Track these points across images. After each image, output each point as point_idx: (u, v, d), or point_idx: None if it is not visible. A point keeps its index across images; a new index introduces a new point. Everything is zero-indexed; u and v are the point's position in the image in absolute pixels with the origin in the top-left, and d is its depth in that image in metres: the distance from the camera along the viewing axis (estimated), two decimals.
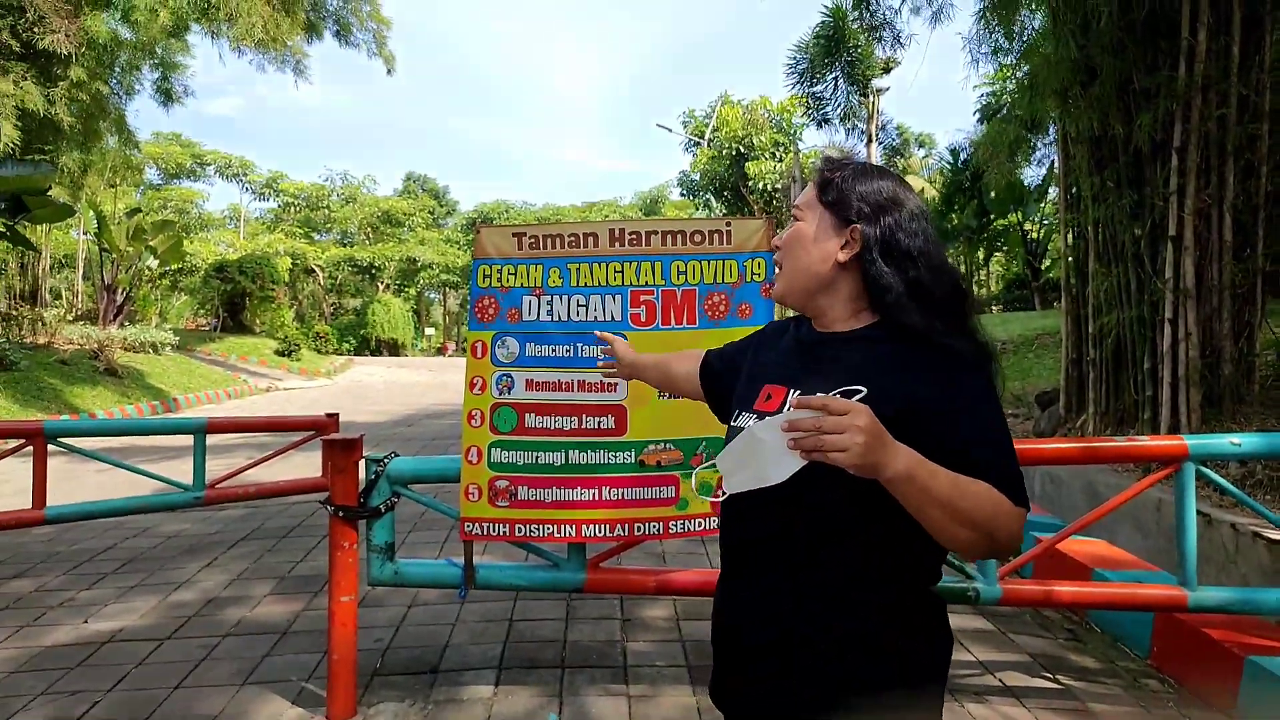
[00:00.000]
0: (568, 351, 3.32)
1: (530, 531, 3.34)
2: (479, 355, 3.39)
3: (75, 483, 7.26)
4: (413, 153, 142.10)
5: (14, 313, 16.74)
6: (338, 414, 5.78)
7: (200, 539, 5.84)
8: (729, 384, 1.63)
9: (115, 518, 5.68)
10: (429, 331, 56.93)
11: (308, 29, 16.25)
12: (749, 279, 3.32)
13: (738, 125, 34.39)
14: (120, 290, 18.82)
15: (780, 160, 32.98)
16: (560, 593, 3.82)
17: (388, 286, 52.56)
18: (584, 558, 3.46)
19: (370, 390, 20.42)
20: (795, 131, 34.19)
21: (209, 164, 47.09)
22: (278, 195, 51.47)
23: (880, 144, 18.93)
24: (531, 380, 3.34)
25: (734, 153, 34.46)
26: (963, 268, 28.28)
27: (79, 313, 21.06)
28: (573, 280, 3.33)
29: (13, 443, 4.96)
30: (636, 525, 3.33)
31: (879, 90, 17.55)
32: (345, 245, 52.65)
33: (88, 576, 5.06)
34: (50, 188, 12.93)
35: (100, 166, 20.86)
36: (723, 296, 3.30)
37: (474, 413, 3.38)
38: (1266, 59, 5.97)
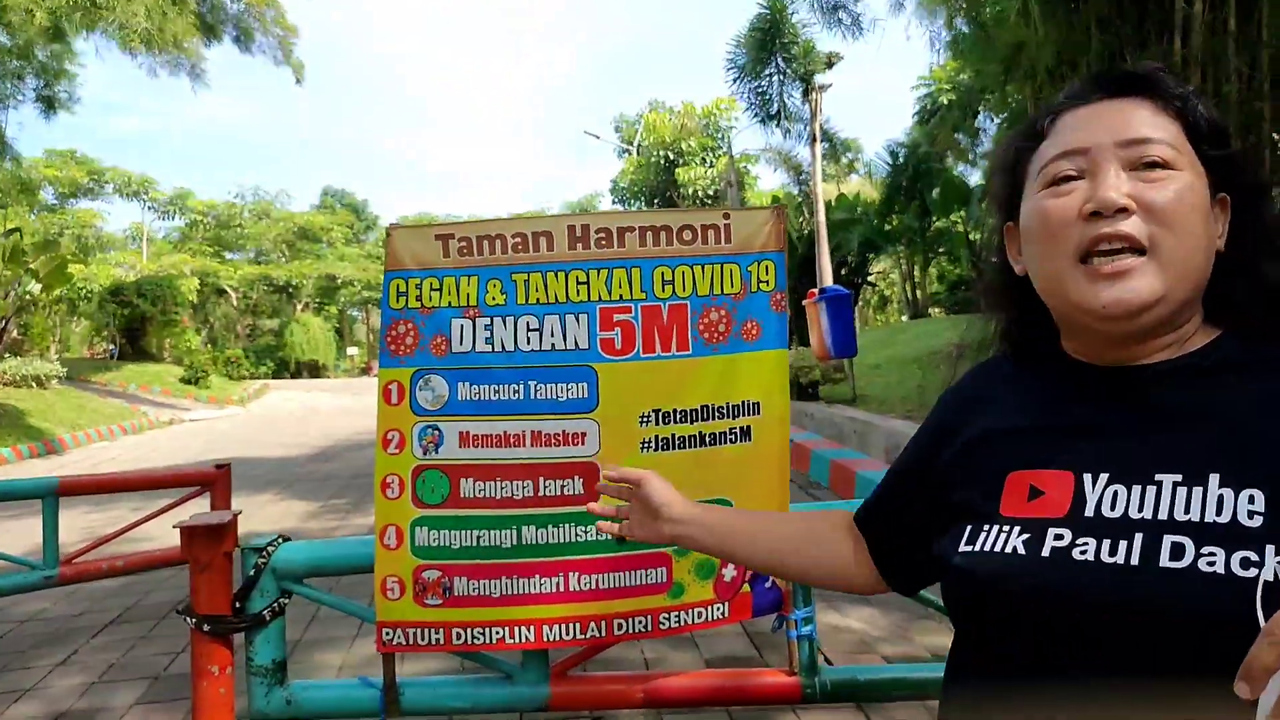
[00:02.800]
0: (516, 393, 2.46)
1: (473, 637, 2.46)
2: (394, 401, 2.50)
3: None
4: (330, 168, 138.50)
5: None
6: (228, 465, 4.78)
7: (60, 624, 4.77)
8: (933, 524, 0.94)
9: None
10: (352, 351, 54.89)
11: (205, 30, 14.99)
12: (755, 288, 2.51)
13: (666, 131, 33.83)
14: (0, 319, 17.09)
15: (711, 165, 32.52)
16: (515, 712, 2.94)
17: (306, 305, 50.40)
18: (545, 665, 2.60)
19: (286, 418, 19.04)
20: (724, 134, 33.83)
21: (108, 182, 44.37)
22: (184, 213, 48.86)
23: (823, 143, 18.40)
24: (467, 433, 2.47)
25: (663, 160, 33.89)
26: (903, 270, 28.21)
27: None
28: (520, 296, 2.48)
29: None
30: (617, 622, 2.49)
31: (822, 87, 16.98)
32: (259, 263, 50.35)
33: None
34: None
35: None
36: (723, 313, 2.49)
37: (390, 479, 2.49)
38: (1264, 31, 5.48)
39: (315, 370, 45.85)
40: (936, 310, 30.17)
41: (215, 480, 4.74)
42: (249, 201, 52.25)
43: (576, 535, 2.45)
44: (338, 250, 53.04)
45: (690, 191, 32.19)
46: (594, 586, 2.46)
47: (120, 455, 12.59)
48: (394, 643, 2.48)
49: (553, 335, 2.45)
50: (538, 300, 2.47)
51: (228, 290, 45.88)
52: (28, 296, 17.62)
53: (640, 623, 2.51)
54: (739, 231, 2.52)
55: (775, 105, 16.84)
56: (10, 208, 26.32)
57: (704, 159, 33.90)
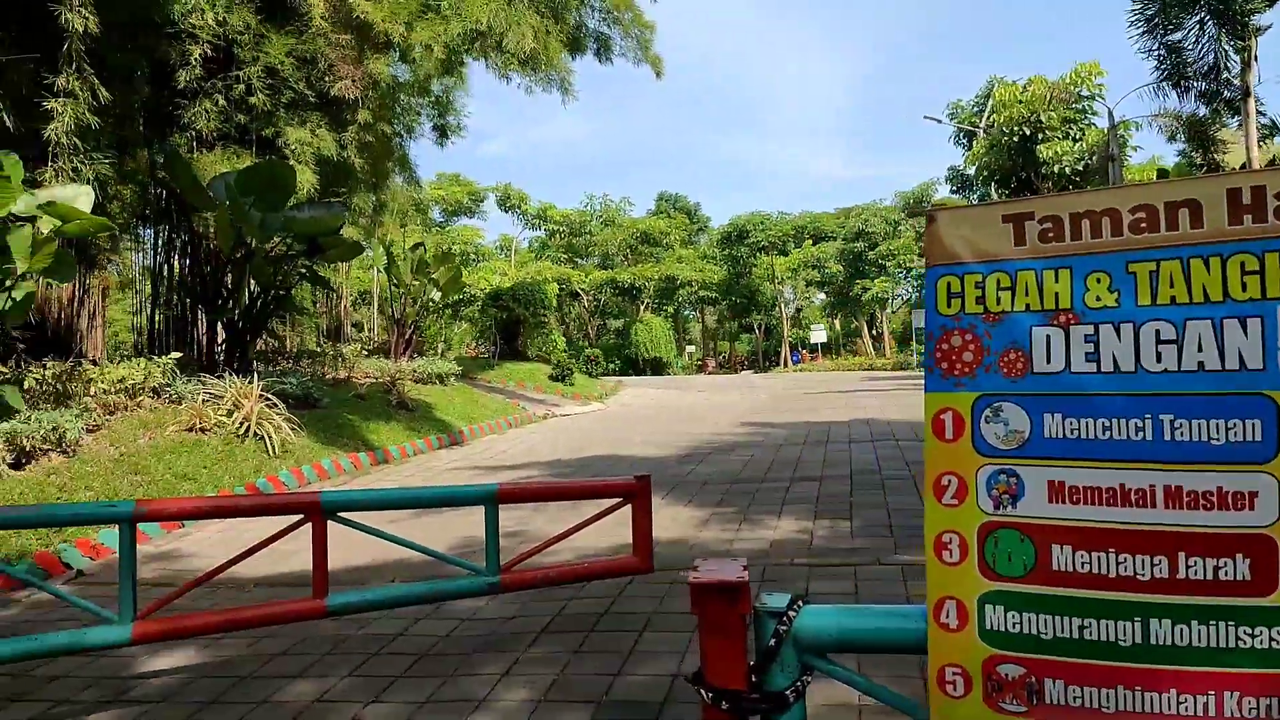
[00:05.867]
0: (1139, 431, 1.76)
1: None
2: (948, 436, 1.92)
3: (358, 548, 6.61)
4: (662, 173, 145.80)
5: (319, 350, 17.82)
6: (648, 476, 4.60)
7: (497, 627, 4.87)
8: None
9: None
10: (689, 349, 57.04)
11: (571, 46, 15.90)
12: None
13: (1020, 107, 30.66)
14: (409, 323, 19.63)
15: (1077, 140, 28.94)
16: None
17: (648, 306, 53.17)
18: None
19: (643, 415, 19.79)
20: (1087, 103, 29.90)
21: (484, 198, 50.28)
22: (545, 224, 53.96)
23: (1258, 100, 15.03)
24: (1060, 484, 1.82)
25: (1017, 137, 30.78)
26: None
27: (374, 346, 22.35)
28: (1144, 294, 1.77)
29: (289, 518, 4.19)
30: None
31: (1258, 29, 13.78)
32: (606, 268, 54.00)
33: (374, 681, 4.19)
34: (342, 227, 13.31)
35: (392, 207, 22.07)
36: None
37: (947, 539, 1.91)
38: None
39: (657, 367, 48.15)
40: None
41: (638, 491, 4.57)
42: (597, 209, 56.31)
43: (1239, 639, 1.70)
44: (675, 253, 55.24)
45: (1055, 170, 28.89)
46: (1267, 713, 1.70)
47: (509, 448, 13.66)
48: None
49: (1201, 350, 1.72)
50: (1172, 299, 1.75)
51: (580, 293, 49.69)
52: (430, 303, 20.14)
53: None
54: None
55: (1204, 57, 14.00)
56: (408, 226, 30.43)
57: (1066, 133, 30.29)
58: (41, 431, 8.04)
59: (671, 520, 7.22)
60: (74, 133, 8.86)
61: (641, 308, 52.76)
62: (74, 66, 8.86)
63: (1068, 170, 28.85)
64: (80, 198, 8.51)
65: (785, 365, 52.29)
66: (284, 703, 3.99)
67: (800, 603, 2.07)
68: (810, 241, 55.31)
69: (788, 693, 2.01)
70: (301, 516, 4.16)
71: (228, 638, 4.82)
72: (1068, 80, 31.10)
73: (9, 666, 4.36)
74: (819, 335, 52.18)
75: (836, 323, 60.10)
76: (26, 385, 9.22)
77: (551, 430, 16.54)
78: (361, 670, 4.35)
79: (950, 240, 1.96)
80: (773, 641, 2.03)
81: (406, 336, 19.42)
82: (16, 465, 7.79)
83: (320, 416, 12.31)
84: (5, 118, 8.25)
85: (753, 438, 13.10)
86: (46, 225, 8.15)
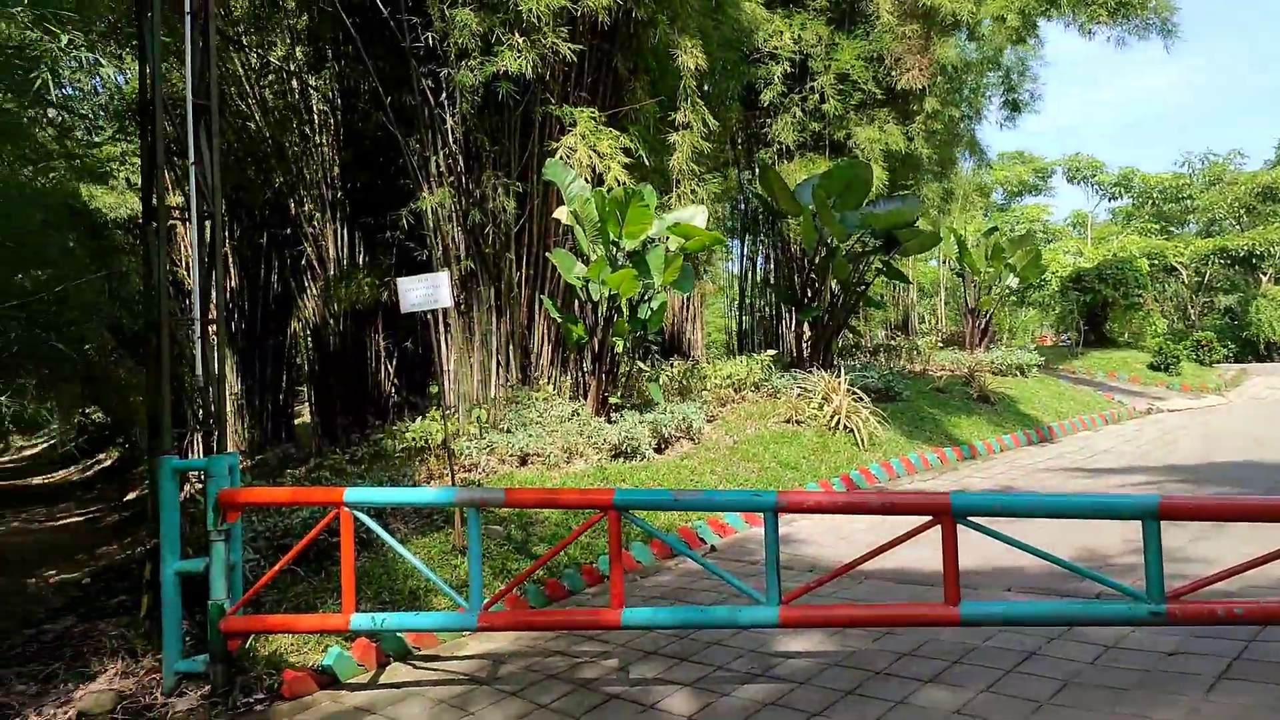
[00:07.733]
0: None
1: None
2: None
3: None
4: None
5: (892, 343, 17.97)
6: None
7: (1155, 663, 4.15)
8: None
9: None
10: None
11: None
12: None
13: None
14: (983, 312, 18.74)
15: None
16: None
17: (1272, 277, 43.36)
18: None
19: None
20: None
21: (1051, 173, 46.12)
22: (1128, 192, 47.48)
23: None
24: None
25: None
26: None
27: (943, 337, 21.85)
28: None
29: (916, 520, 4.06)
30: None
31: None
32: (1210, 236, 45.45)
33: (1015, 702, 3.85)
34: (917, 219, 13.15)
35: (958, 194, 21.37)
36: None
37: None
38: None
39: None
40: None
41: None
42: (1198, 169, 47.72)
43: None
44: None
45: None
46: None
47: (1110, 447, 12.11)
48: None
49: None
50: None
51: (1177, 268, 42.59)
52: (1006, 290, 19.00)
53: None
54: None
55: None
56: (970, 211, 29.18)
57: None
58: (675, 421, 9.35)
59: None
60: (690, 159, 10.19)
61: (1264, 279, 43.21)
62: (688, 101, 10.18)
63: None
64: (697, 217, 9.72)
65: None
66: (923, 708, 3.88)
67: None
68: None
69: None
70: (930, 519, 4.01)
71: (852, 630, 4.91)
72: None
73: (678, 631, 5.02)
74: None
75: None
76: (660, 381, 10.86)
77: (1158, 428, 14.27)
78: (997, 687, 4.04)
79: None
80: None
81: (981, 326, 18.57)
82: (658, 450, 9.16)
83: (901, 409, 12.31)
84: (645, 156, 9.77)
85: None
86: (673, 243, 9.46)
